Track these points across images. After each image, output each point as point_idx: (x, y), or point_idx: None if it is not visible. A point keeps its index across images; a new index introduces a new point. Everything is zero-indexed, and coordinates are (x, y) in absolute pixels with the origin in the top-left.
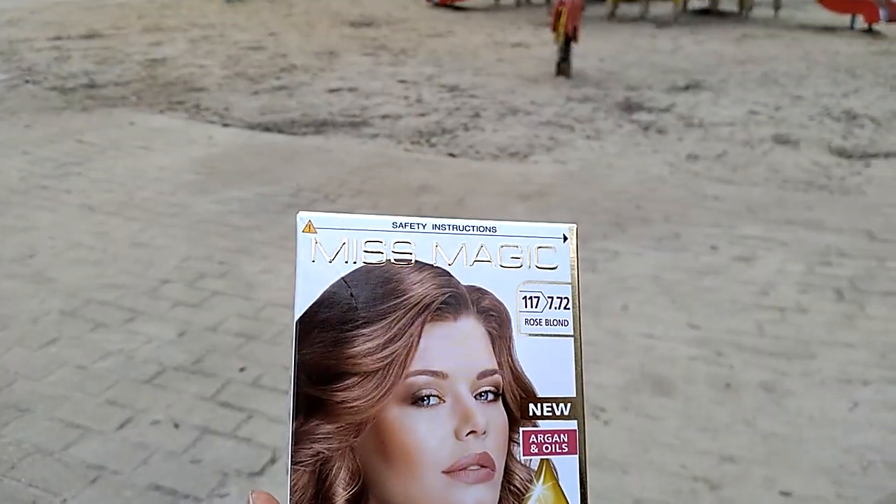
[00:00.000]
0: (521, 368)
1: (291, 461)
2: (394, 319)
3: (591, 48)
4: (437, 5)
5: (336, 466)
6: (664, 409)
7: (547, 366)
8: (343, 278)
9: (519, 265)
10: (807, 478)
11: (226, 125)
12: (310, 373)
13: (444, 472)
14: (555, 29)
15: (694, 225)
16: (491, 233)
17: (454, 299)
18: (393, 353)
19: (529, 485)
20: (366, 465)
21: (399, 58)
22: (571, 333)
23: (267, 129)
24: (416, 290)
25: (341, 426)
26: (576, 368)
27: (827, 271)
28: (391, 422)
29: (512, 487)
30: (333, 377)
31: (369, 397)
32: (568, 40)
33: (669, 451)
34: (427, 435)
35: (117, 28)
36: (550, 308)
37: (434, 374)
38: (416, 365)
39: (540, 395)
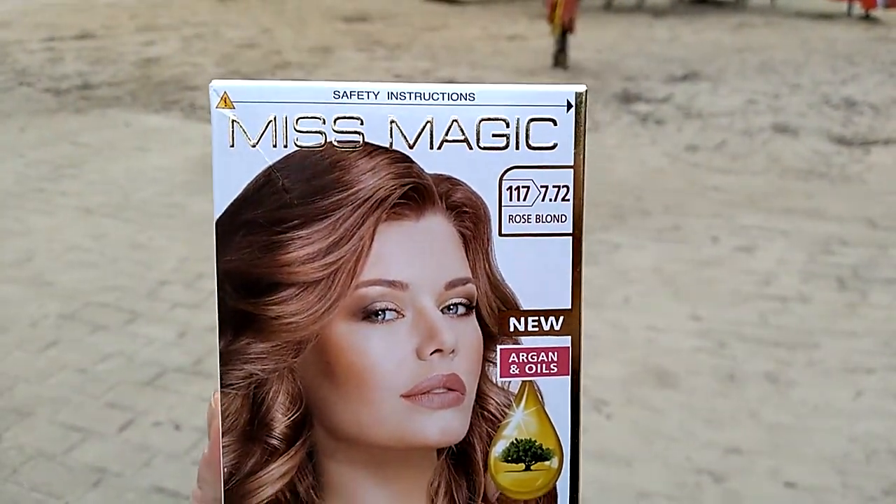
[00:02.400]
0: (500, 276)
1: (221, 384)
2: (339, 218)
3: (588, 39)
4: None
5: (273, 390)
6: (667, 401)
7: (535, 272)
8: (271, 167)
9: (504, 145)
10: (811, 468)
11: None
12: (237, 283)
13: (403, 395)
14: (551, 20)
15: (694, 216)
16: (468, 101)
17: (416, 192)
18: (339, 259)
19: (507, 410)
20: (309, 388)
21: (394, 53)
22: (570, 231)
23: None
24: (367, 181)
25: (277, 345)
26: (574, 274)
27: (828, 260)
28: (338, 340)
29: (486, 413)
30: (266, 288)
31: (310, 312)
32: (564, 31)
33: (673, 444)
34: (382, 355)
35: (109, 28)
36: (544, 200)
37: (391, 284)
38: (367, 274)
39: (524, 307)
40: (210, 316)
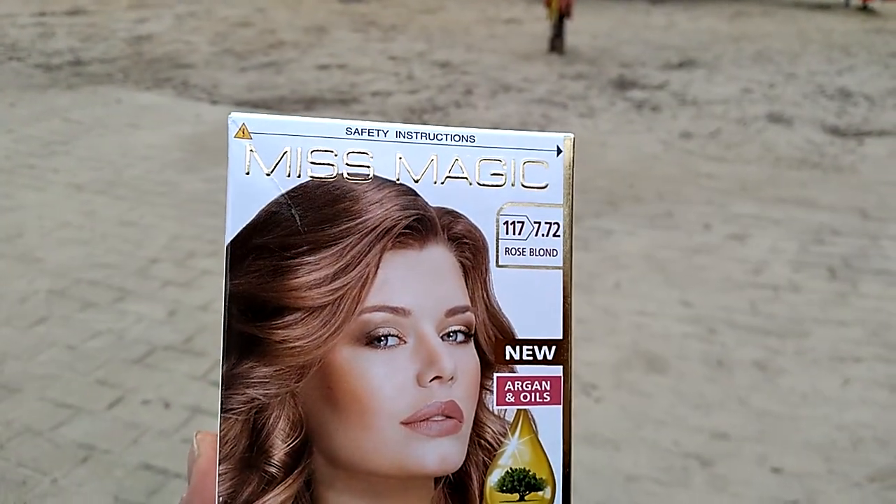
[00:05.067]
0: (497, 305)
1: (221, 408)
2: (346, 246)
3: (585, 24)
4: None
5: (274, 415)
6: (657, 386)
7: (529, 303)
8: (284, 195)
9: (501, 183)
10: (798, 454)
11: (214, 102)
12: (244, 306)
13: (402, 422)
14: (548, 5)
15: (687, 203)
16: (468, 143)
17: (420, 223)
18: (344, 285)
19: (503, 439)
20: (309, 413)
21: (389, 34)
22: (560, 265)
23: (255, 106)
24: (375, 211)
25: (281, 369)
26: (564, 307)
27: (820, 249)
28: (341, 365)
29: (482, 441)
30: (272, 312)
31: (315, 336)
32: (561, 16)
33: (662, 428)
34: (383, 380)
35: (102, 4)
36: (537, 235)
37: (394, 310)
38: (372, 300)
39: (519, 336)
40: (200, 294)
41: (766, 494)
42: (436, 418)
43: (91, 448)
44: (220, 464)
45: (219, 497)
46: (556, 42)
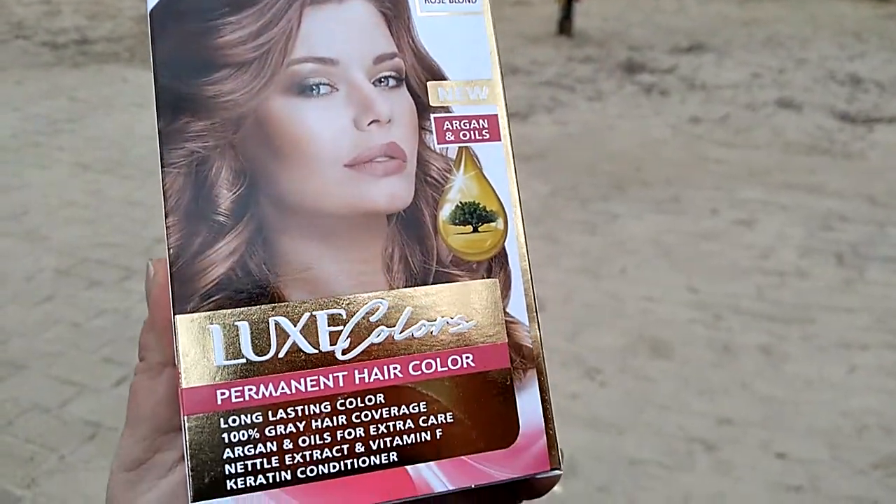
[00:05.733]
0: (425, 50)
1: (162, 164)
2: (266, 4)
3: (594, 7)
4: None
5: (216, 166)
6: (662, 371)
7: (456, 47)
8: None
9: None
10: (803, 440)
11: None
12: (172, 67)
13: (346, 165)
14: None
15: (695, 188)
16: None
17: None
18: (269, 40)
19: (448, 175)
20: (252, 162)
21: None
22: (480, 11)
23: None
24: None
25: (216, 122)
26: (490, 49)
27: (827, 236)
28: (276, 114)
29: (429, 178)
30: (201, 70)
31: (246, 89)
32: None
33: (666, 413)
34: (320, 125)
35: None
36: None
37: (321, 60)
38: (298, 52)
39: (451, 78)
40: None
41: (770, 479)
42: (379, 159)
43: (97, 425)
44: (166, 217)
45: (169, 249)
46: (565, 24)
